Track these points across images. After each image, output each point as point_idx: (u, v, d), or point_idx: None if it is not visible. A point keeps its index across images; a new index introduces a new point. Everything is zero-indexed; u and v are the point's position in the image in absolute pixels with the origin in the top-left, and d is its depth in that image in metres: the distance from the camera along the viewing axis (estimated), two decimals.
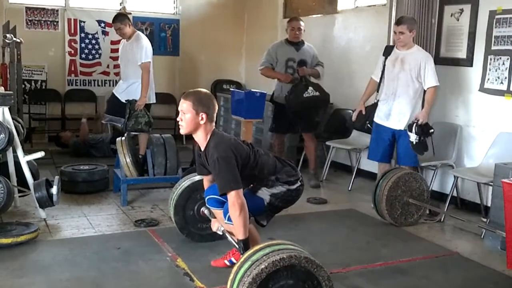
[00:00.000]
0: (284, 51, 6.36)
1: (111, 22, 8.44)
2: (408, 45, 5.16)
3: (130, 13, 8.72)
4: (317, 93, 6.14)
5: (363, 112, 5.52)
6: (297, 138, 6.88)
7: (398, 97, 5.20)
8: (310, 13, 7.84)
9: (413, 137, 5.03)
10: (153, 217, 4.89)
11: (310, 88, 6.14)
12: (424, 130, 5.03)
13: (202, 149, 3.44)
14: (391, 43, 5.81)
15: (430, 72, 5.05)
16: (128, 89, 6.19)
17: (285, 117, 6.30)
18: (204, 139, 3.39)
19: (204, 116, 3.32)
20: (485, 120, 5.30)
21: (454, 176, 5.22)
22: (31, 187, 4.63)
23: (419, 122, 5.03)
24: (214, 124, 3.43)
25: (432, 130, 5.07)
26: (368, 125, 5.48)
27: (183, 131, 3.41)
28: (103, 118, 6.75)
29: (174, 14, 9.19)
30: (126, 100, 6.06)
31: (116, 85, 6.83)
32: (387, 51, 5.40)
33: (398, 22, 5.19)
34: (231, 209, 3.24)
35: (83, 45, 8.53)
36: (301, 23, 6.31)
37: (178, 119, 3.41)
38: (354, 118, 5.67)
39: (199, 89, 3.48)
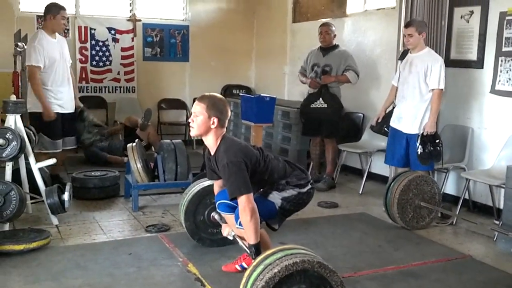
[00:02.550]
0: (314, 56, 6.45)
1: (119, 28, 8.58)
2: (418, 48, 5.14)
3: (140, 20, 8.82)
4: (325, 105, 6.19)
5: (379, 120, 5.56)
6: (307, 142, 6.88)
7: (407, 100, 5.20)
8: (320, 17, 7.84)
9: (418, 147, 5.03)
10: (164, 223, 4.90)
11: (320, 99, 6.19)
12: (430, 140, 5.01)
13: (212, 153, 3.44)
14: (401, 46, 5.81)
15: (434, 74, 5.00)
16: (72, 95, 5.72)
17: (309, 121, 6.44)
18: (214, 144, 3.40)
19: (215, 120, 3.34)
20: (497, 122, 5.26)
21: (466, 179, 5.19)
22: (43, 193, 4.66)
23: (424, 133, 5.02)
24: (225, 129, 3.44)
25: (438, 141, 5.05)
26: (385, 128, 5.50)
27: (193, 133, 3.42)
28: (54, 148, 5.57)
29: (183, 20, 9.24)
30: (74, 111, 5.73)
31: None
32: (403, 55, 5.41)
33: (407, 24, 5.20)
34: (242, 214, 3.24)
35: (93, 52, 8.59)
36: (328, 27, 6.34)
37: (189, 120, 3.42)
38: (373, 123, 5.71)
39: (214, 93, 3.50)
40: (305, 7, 8.44)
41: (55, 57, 5.46)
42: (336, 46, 6.37)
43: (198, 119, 3.36)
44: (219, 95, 3.51)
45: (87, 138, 5.91)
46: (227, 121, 3.43)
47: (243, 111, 6.18)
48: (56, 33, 5.55)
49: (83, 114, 5.84)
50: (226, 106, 3.43)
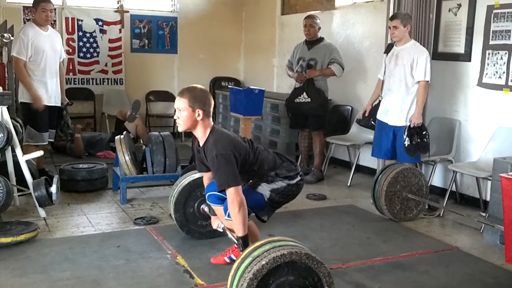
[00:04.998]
0: (299, 50, 6.44)
1: (107, 19, 8.50)
2: (403, 40, 5.16)
3: (128, 11, 8.76)
4: (308, 100, 6.19)
5: (366, 114, 5.58)
6: (295, 135, 6.89)
7: (393, 92, 5.22)
8: (308, 10, 7.83)
9: (405, 139, 5.06)
10: (152, 215, 4.90)
11: (304, 93, 6.20)
12: (417, 132, 5.04)
13: (202, 144, 3.44)
14: (389, 39, 5.83)
15: (420, 66, 5.03)
16: (59, 89, 5.70)
17: (295, 116, 6.47)
18: (203, 135, 3.40)
19: (200, 112, 3.33)
20: (483, 115, 5.30)
21: (453, 171, 5.22)
22: (31, 186, 4.63)
23: (411, 125, 5.05)
24: (211, 118, 3.43)
25: (425, 132, 5.08)
26: (372, 122, 5.52)
27: (181, 128, 3.42)
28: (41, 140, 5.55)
29: (171, 11, 9.18)
30: (61, 104, 5.73)
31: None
32: (388, 48, 5.42)
33: (392, 17, 5.23)
34: (230, 206, 3.25)
35: (81, 43, 8.52)
36: (312, 19, 6.30)
37: (175, 117, 3.42)
38: (359, 116, 5.74)
39: (193, 85, 3.46)
40: None
41: (44, 48, 5.42)
42: (321, 39, 6.35)
43: (183, 114, 3.35)
44: (199, 86, 3.46)
45: (58, 136, 5.94)
46: (211, 110, 3.42)
47: (232, 103, 6.18)
48: (49, 26, 5.52)
49: (62, 112, 5.85)
50: (208, 96, 3.42)
